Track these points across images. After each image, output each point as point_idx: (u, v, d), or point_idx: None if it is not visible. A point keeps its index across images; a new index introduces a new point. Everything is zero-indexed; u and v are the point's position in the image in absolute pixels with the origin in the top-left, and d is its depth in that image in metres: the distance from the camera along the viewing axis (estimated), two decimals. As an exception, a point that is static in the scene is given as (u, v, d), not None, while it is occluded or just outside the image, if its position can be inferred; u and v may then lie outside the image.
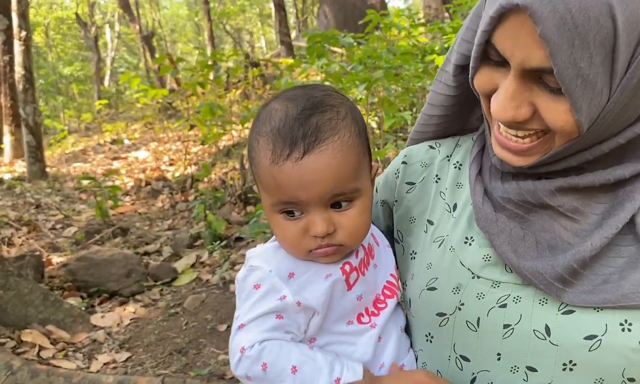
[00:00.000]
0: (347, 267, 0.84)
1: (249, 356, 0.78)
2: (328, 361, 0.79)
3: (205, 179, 6.31)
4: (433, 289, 0.85)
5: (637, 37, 0.62)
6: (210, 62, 7.34)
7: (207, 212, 5.19)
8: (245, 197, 5.58)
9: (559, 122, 0.69)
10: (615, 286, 0.73)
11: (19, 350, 3.30)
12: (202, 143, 6.26)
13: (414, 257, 0.92)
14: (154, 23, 27.14)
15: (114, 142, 12.07)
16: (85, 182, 6.10)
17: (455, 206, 0.90)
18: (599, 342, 0.72)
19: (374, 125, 5.58)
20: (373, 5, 16.08)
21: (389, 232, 0.99)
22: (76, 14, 22.95)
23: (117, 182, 7.53)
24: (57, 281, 4.19)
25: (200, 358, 3.31)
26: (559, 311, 0.76)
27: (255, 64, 12.22)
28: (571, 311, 0.75)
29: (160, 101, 10.54)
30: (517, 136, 0.74)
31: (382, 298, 0.89)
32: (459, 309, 0.82)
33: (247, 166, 5.78)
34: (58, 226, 5.97)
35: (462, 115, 0.93)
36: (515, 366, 0.78)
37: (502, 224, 0.80)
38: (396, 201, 0.96)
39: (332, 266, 0.83)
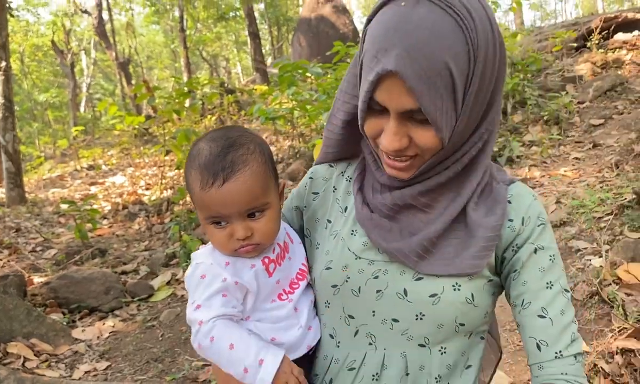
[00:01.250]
0: (266, 260, 1.11)
1: (203, 331, 1.02)
2: (259, 346, 1.03)
3: (181, 202, 6.60)
4: (329, 269, 1.12)
5: (464, 79, 0.90)
6: (186, 90, 7.67)
7: (182, 232, 5.47)
8: (219, 218, 5.88)
9: (428, 143, 0.95)
10: (450, 261, 1.03)
11: (5, 361, 3.53)
12: (178, 168, 6.55)
13: (318, 248, 1.19)
14: (130, 50, 27.41)
15: (91, 168, 12.25)
16: (64, 206, 6.32)
17: (346, 208, 1.18)
18: (438, 298, 1.02)
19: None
20: (345, 33, 16.60)
21: (301, 231, 1.27)
22: (52, 41, 23.10)
23: (95, 206, 7.75)
24: (39, 298, 4.42)
25: (175, 365, 3.58)
26: (412, 278, 1.04)
27: (231, 91, 12.58)
28: (420, 278, 1.04)
29: (136, 127, 10.80)
30: (400, 158, 1.00)
31: (295, 281, 1.16)
32: (346, 281, 1.09)
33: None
34: (38, 249, 6.19)
35: (350, 148, 1.20)
36: (384, 319, 1.06)
37: (376, 220, 1.09)
38: (305, 207, 1.25)
39: (255, 258, 1.10)
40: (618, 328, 2.70)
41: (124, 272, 5.29)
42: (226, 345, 1.02)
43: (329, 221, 1.20)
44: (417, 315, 1.04)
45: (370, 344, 1.08)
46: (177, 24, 20.74)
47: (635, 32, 9.97)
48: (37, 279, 4.93)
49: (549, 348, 1.00)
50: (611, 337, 2.66)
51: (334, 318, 1.13)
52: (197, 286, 1.06)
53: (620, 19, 10.57)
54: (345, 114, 1.12)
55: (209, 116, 11.24)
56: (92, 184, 10.68)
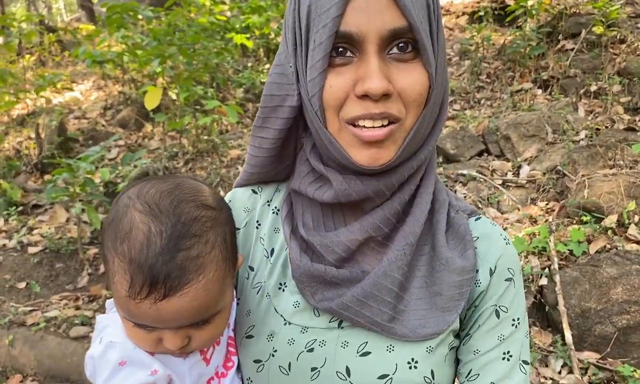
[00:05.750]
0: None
1: None
2: None
3: (-3, 146, 6.17)
4: (250, 337, 0.87)
5: (433, 6, 0.76)
6: (1, 26, 7.03)
7: (1, 180, 5.19)
8: (42, 165, 5.63)
9: (416, 85, 0.74)
10: (425, 316, 0.81)
11: None
12: (-6, 110, 6.09)
13: (239, 304, 0.93)
14: None
15: None
16: None
17: (272, 251, 0.91)
18: (390, 380, 0.79)
19: (174, 97, 5.98)
20: (179, -25, 16.01)
21: None
22: None
23: None
24: None
25: (1, 312, 3.54)
26: (357, 353, 0.81)
27: (52, 29, 11.62)
28: (368, 353, 0.80)
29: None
30: (378, 126, 0.74)
31: (229, 356, 0.90)
32: (273, 355, 0.84)
33: (43, 135, 5.80)
34: None
35: (282, 165, 0.93)
36: None
37: (319, 274, 0.82)
38: None
39: None
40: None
41: None
42: None
43: (251, 269, 0.93)
44: None
45: None
46: (-16, -52, 18.24)
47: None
48: None
49: None
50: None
51: None
52: (113, 375, 0.77)
53: None
54: (282, 121, 0.84)
55: (27, 56, 10.33)
56: None
